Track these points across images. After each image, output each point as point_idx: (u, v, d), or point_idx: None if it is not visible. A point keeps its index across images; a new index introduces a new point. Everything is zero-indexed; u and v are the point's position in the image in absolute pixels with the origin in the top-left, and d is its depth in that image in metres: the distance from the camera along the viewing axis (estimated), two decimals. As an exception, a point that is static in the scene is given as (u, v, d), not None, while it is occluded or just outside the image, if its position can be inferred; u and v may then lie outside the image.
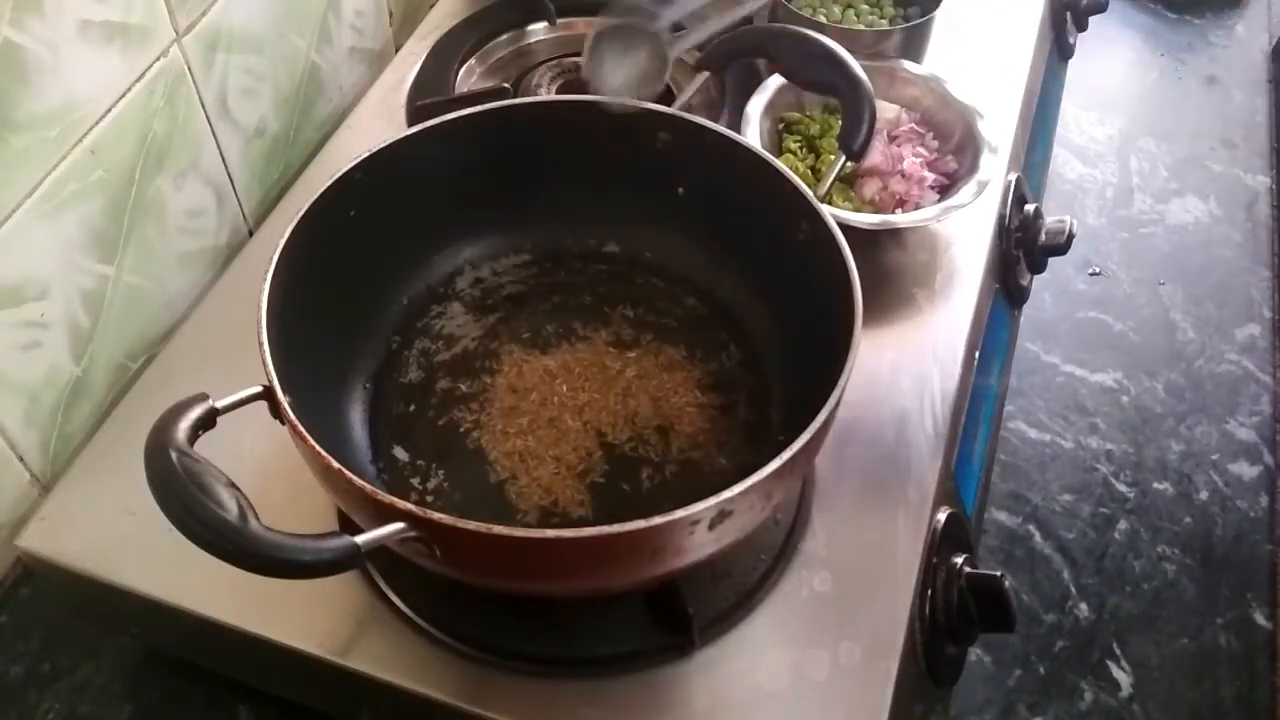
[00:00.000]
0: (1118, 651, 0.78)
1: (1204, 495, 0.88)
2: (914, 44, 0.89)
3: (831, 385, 0.53)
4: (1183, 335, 0.99)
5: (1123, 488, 0.88)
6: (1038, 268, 0.90)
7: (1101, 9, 1.11)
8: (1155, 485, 0.88)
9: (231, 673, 0.68)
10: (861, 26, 0.90)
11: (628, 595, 0.60)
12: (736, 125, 0.79)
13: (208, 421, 0.49)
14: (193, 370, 0.70)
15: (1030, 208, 0.87)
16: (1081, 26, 1.12)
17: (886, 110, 0.84)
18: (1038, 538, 0.84)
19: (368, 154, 0.64)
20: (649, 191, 0.71)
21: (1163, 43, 1.29)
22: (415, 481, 0.64)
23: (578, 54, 0.93)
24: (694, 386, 0.68)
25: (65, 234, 0.66)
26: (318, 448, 0.50)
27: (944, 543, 0.65)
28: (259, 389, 0.53)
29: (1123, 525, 0.85)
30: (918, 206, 0.78)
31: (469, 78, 0.94)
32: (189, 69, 0.73)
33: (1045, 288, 0.99)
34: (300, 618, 0.60)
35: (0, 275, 0.63)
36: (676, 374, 0.69)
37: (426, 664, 0.58)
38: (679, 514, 0.48)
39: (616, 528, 0.48)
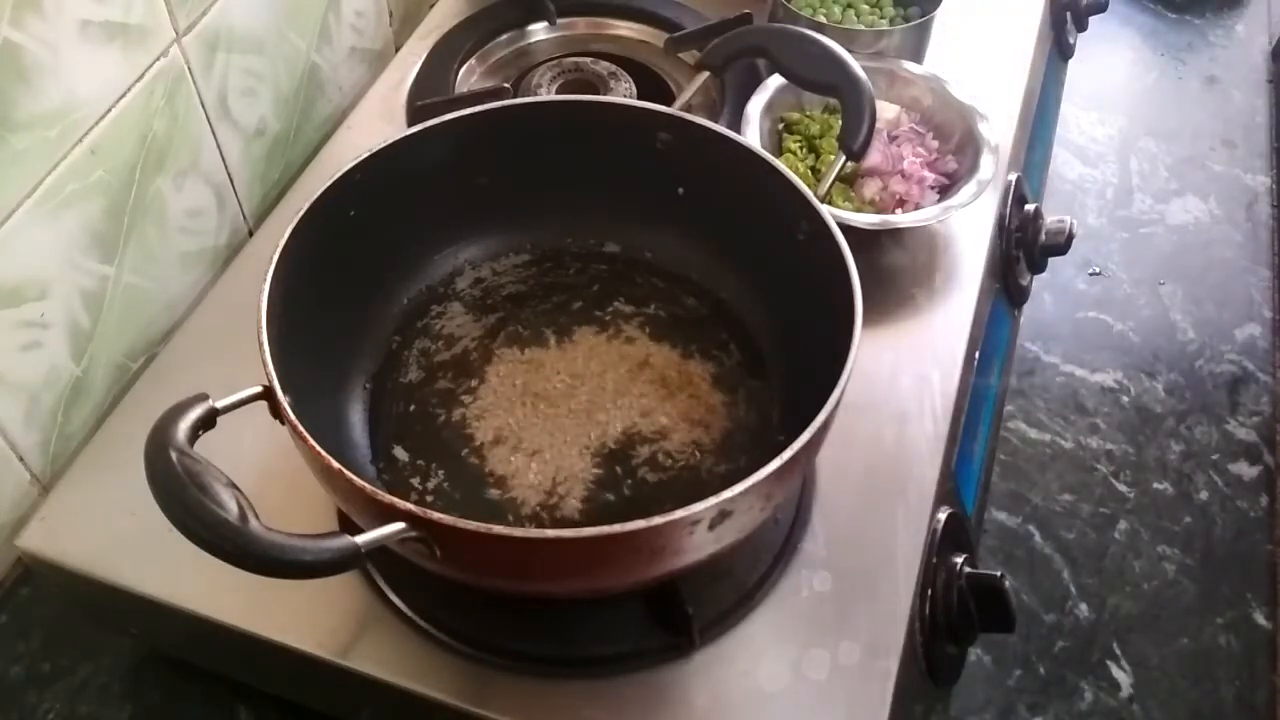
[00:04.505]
0: (1118, 651, 0.78)
1: (1204, 495, 0.88)
2: (914, 44, 0.89)
3: (831, 385, 0.53)
4: (1183, 335, 0.99)
5: (1123, 488, 0.88)
6: (1038, 268, 0.90)
7: (1101, 9, 1.11)
8: (1155, 485, 0.88)
9: (231, 673, 0.68)
10: (861, 26, 0.90)
11: (627, 595, 0.60)
12: (736, 125, 0.79)
13: (208, 421, 0.49)
14: (193, 370, 0.70)
15: (1030, 208, 0.87)
16: (1081, 26, 1.12)
17: (886, 110, 0.84)
18: (1038, 538, 0.84)
19: (368, 154, 0.64)
20: (649, 191, 0.71)
21: (1163, 43, 1.29)
22: (415, 481, 0.64)
23: (578, 54, 0.94)
24: (694, 386, 0.68)
25: (65, 234, 0.66)
26: (318, 448, 0.50)
27: (944, 543, 0.65)
28: (259, 389, 0.53)
29: (1123, 525, 0.85)
30: (918, 206, 0.78)
31: (469, 78, 0.94)
32: (189, 69, 0.73)
33: (1045, 288, 0.99)
34: (300, 618, 0.60)
35: (0, 275, 0.63)
36: (676, 374, 0.69)
37: (426, 664, 0.59)
38: (679, 514, 0.48)
39: (617, 528, 0.48)
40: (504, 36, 0.96)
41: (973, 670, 0.75)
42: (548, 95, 0.88)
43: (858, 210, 0.78)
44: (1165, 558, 0.84)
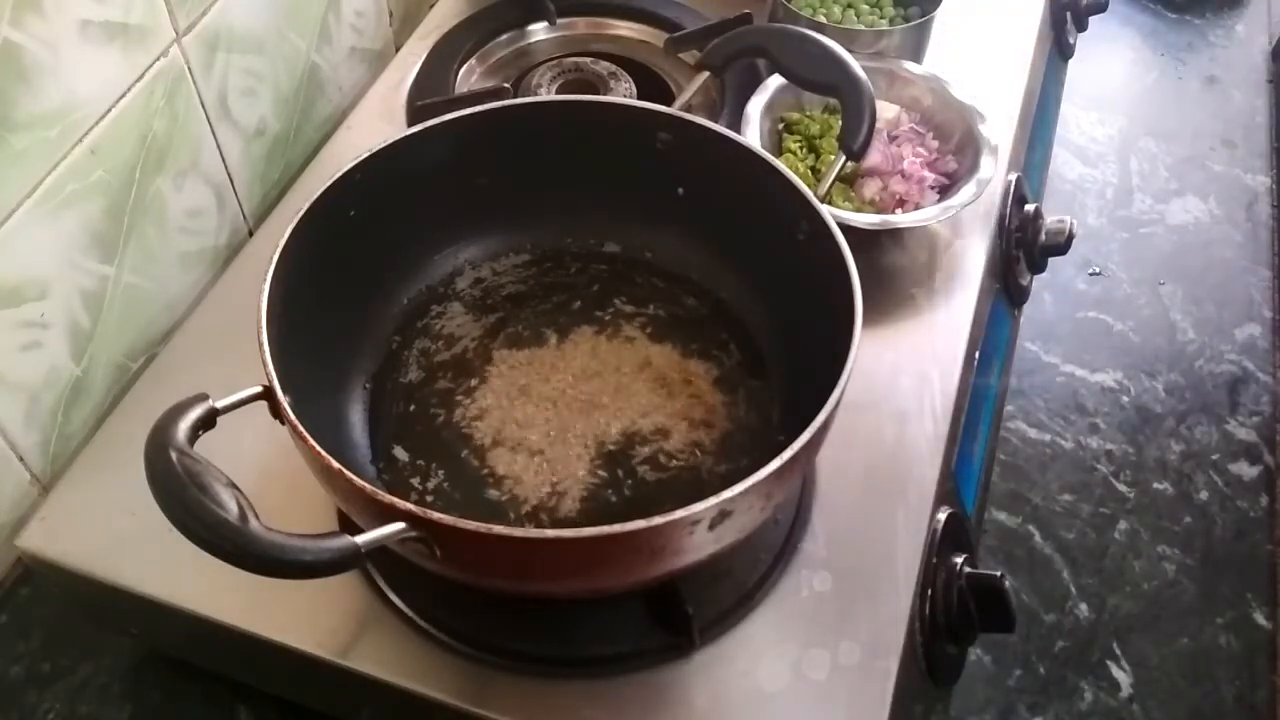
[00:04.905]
0: (1118, 651, 0.78)
1: (1204, 495, 0.88)
2: (914, 44, 0.89)
3: (831, 385, 0.53)
4: (1183, 335, 0.99)
5: (1123, 488, 0.88)
6: (1038, 268, 0.90)
7: (1101, 9, 1.11)
8: (1155, 485, 0.88)
9: (231, 673, 0.68)
10: (861, 26, 0.90)
11: (627, 595, 0.60)
12: (736, 125, 0.79)
13: (208, 421, 0.49)
14: (193, 370, 0.70)
15: (1030, 208, 0.87)
16: (1081, 26, 1.12)
17: (886, 110, 0.84)
18: (1038, 538, 0.84)
19: (368, 154, 0.64)
20: (649, 191, 0.71)
21: (1163, 43, 1.29)
22: (415, 481, 0.64)
23: (578, 54, 0.94)
24: (694, 386, 0.68)
25: (65, 234, 0.66)
26: (318, 448, 0.50)
27: (944, 543, 0.65)
28: (259, 389, 0.53)
29: (1123, 525, 0.85)
30: (918, 206, 0.78)
31: (469, 78, 0.94)
32: (189, 69, 0.73)
33: (1045, 288, 0.99)
34: (300, 618, 0.60)
35: (0, 275, 0.63)
36: (676, 374, 0.69)
37: (426, 664, 0.58)
38: (679, 514, 0.48)
39: (617, 528, 0.48)
40: (504, 36, 0.96)
41: (973, 670, 0.75)
42: (548, 95, 0.88)
43: (858, 210, 0.78)
44: (1165, 558, 0.84)
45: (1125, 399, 0.93)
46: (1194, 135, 1.17)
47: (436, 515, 0.47)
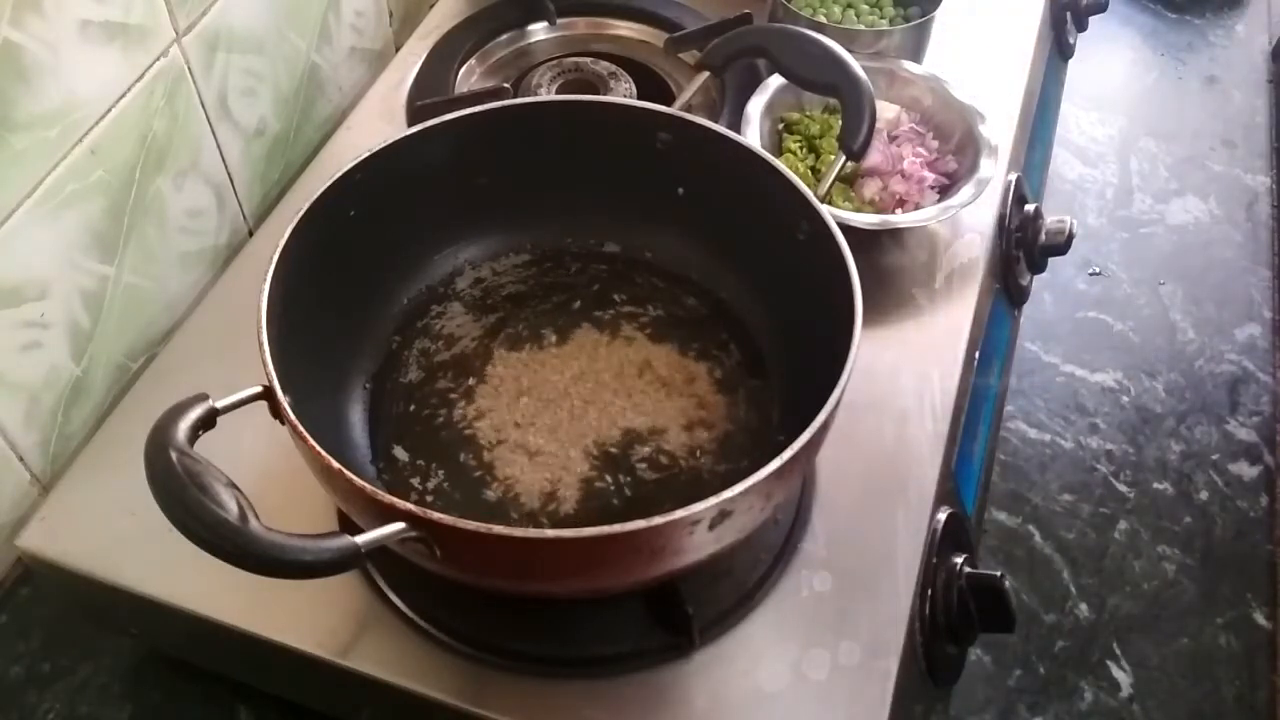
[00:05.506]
0: (1118, 651, 0.78)
1: (1204, 495, 0.88)
2: (914, 44, 0.89)
3: (831, 385, 0.53)
4: (1183, 335, 0.99)
5: (1123, 488, 0.88)
6: (1038, 268, 0.90)
7: (1101, 9, 1.11)
8: (1155, 485, 0.88)
9: (231, 673, 0.68)
10: (861, 26, 0.90)
11: (627, 595, 0.60)
12: (736, 125, 0.79)
13: (208, 421, 0.49)
14: (193, 370, 0.70)
15: (1030, 208, 0.87)
16: (1081, 26, 1.12)
17: (886, 110, 0.84)
18: (1038, 538, 0.84)
19: (368, 154, 0.64)
20: (649, 191, 0.71)
21: (1163, 43, 1.29)
22: (415, 481, 0.64)
23: (578, 54, 0.94)
24: (694, 386, 0.68)
25: (65, 234, 0.66)
26: (318, 448, 0.50)
27: (944, 543, 0.65)
28: (259, 389, 0.53)
29: (1123, 525, 0.85)
30: (918, 206, 0.78)
31: (469, 78, 0.94)
32: (189, 69, 0.73)
33: (1045, 288, 0.99)
34: (300, 618, 0.60)
35: (0, 275, 0.63)
36: (676, 374, 0.69)
37: (426, 664, 0.59)
38: (679, 514, 0.48)
39: (617, 528, 0.48)
40: (504, 36, 0.96)
41: (973, 670, 0.75)
42: (548, 95, 0.88)
43: (858, 210, 0.78)
44: (1165, 558, 0.84)
45: (1125, 399, 0.94)
46: (1194, 135, 1.17)
47: (436, 515, 0.47)
